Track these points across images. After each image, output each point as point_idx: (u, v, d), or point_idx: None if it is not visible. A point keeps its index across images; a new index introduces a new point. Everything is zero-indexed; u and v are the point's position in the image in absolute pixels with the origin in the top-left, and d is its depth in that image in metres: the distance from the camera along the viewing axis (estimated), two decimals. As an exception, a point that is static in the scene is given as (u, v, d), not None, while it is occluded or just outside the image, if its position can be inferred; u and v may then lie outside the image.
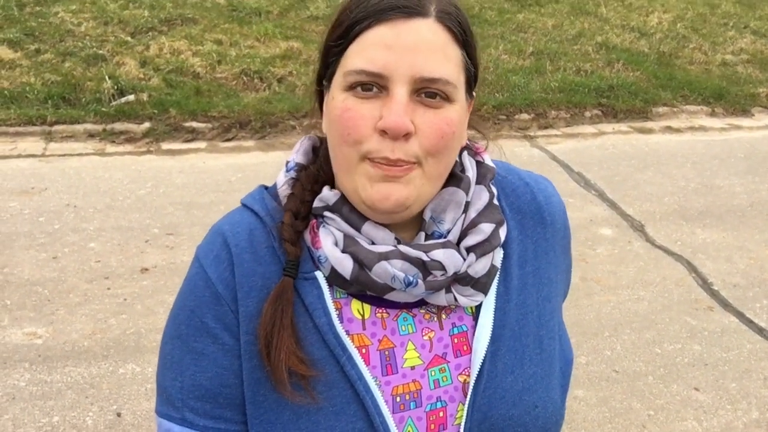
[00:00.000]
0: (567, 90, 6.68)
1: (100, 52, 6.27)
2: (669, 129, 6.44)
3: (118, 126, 5.34)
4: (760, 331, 3.54)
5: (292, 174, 0.89)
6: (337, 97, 0.80)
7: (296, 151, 0.92)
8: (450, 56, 0.79)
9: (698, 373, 3.20)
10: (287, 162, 0.92)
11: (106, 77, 5.80)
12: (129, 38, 6.65)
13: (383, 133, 0.77)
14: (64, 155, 4.96)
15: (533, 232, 0.94)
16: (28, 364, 2.90)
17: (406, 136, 0.77)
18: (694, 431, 2.85)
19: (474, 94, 0.88)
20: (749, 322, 3.60)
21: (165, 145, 5.24)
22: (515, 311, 0.89)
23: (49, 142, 5.16)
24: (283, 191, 0.88)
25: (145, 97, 5.69)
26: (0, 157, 4.88)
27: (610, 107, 6.56)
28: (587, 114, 6.44)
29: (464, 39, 0.82)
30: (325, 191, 0.86)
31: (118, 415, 2.66)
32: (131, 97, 5.66)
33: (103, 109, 5.49)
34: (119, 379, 2.84)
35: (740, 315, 3.66)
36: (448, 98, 0.79)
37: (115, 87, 5.71)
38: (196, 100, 5.77)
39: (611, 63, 7.44)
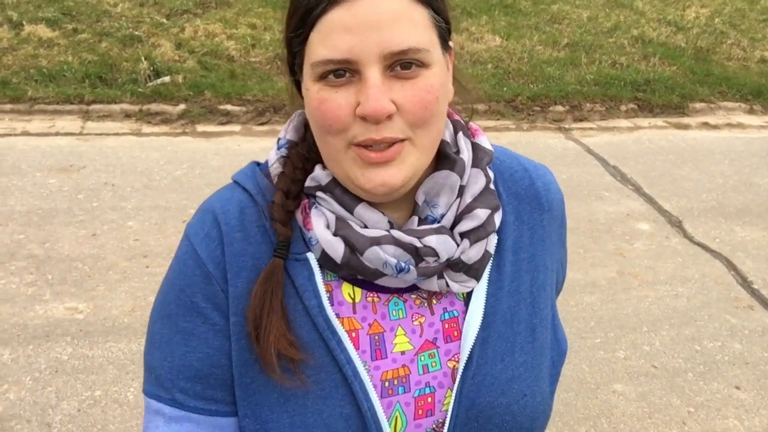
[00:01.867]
0: (602, 83, 6.59)
1: (136, 33, 6.31)
2: (706, 125, 6.33)
3: (154, 107, 5.37)
4: (801, 331, 3.48)
5: (283, 152, 0.86)
6: (310, 87, 0.76)
7: (287, 128, 0.89)
8: (416, 20, 0.74)
9: (739, 371, 3.15)
10: (278, 139, 0.88)
11: (142, 58, 5.83)
12: (164, 20, 6.68)
13: (364, 118, 0.74)
14: (101, 134, 5.00)
15: (530, 217, 0.91)
16: (70, 338, 2.93)
17: (389, 116, 0.74)
18: (735, 430, 2.81)
19: (451, 44, 0.83)
20: (791, 323, 3.54)
21: (200, 127, 5.26)
22: (508, 298, 0.87)
23: (87, 120, 5.20)
24: (275, 169, 0.85)
25: (180, 78, 5.72)
26: (39, 134, 4.93)
27: (646, 102, 6.46)
28: (623, 108, 6.35)
29: None
30: (317, 170, 0.83)
31: (159, 391, 2.68)
32: (167, 79, 5.69)
33: (139, 89, 5.52)
34: (159, 356, 2.86)
35: (781, 315, 3.60)
36: (423, 64, 0.75)
37: (151, 68, 5.74)
38: (231, 84, 5.79)
39: (647, 57, 7.33)
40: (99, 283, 3.30)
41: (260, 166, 0.90)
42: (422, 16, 0.76)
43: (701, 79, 7.02)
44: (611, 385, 2.98)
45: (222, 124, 5.33)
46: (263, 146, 5.01)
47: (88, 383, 2.70)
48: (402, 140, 0.76)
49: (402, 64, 0.74)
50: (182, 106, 5.42)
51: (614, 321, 3.39)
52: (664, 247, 4.15)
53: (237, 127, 5.34)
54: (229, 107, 5.50)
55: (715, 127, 6.32)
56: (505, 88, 6.26)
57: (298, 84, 0.84)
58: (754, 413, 2.91)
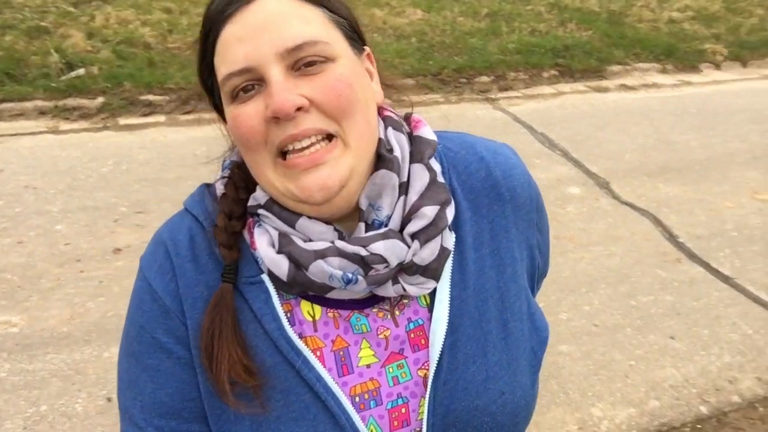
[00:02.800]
0: (524, 51, 6.72)
1: (43, 24, 5.96)
2: (624, 87, 6.57)
3: (71, 102, 5.11)
4: (725, 279, 3.70)
5: (226, 173, 0.85)
6: (229, 113, 0.77)
7: (232, 150, 0.89)
8: (307, 18, 0.74)
9: (672, 322, 3.33)
10: (223, 160, 0.88)
11: (52, 50, 5.52)
12: (72, 9, 6.34)
13: (277, 120, 0.72)
14: (15, 134, 4.73)
15: (489, 210, 0.88)
16: (7, 354, 2.79)
17: (301, 109, 0.72)
18: (673, 378, 2.98)
19: (366, 48, 0.83)
20: (715, 272, 3.76)
21: (122, 120, 5.05)
22: (474, 297, 0.85)
23: (-3, 121, 4.91)
24: (218, 191, 0.84)
25: (95, 70, 5.46)
26: (-55, 139, 4.63)
27: (567, 67, 6.64)
28: (545, 74, 6.50)
29: None
30: (258, 190, 0.81)
31: (109, 399, 2.60)
32: (81, 71, 5.42)
33: (53, 84, 5.24)
34: (105, 364, 2.77)
35: (706, 265, 3.81)
36: (327, 58, 0.74)
37: (63, 61, 5.45)
38: (150, 72, 5.57)
39: (564, 23, 7.51)
40: (31, 293, 3.15)
41: (209, 188, 0.88)
42: (314, 14, 0.76)
43: (616, 42, 7.26)
44: (557, 346, 3.10)
45: (145, 115, 5.14)
46: (191, 136, 4.88)
47: (31, 399, 2.58)
48: (330, 137, 0.75)
49: (305, 63, 0.73)
50: (101, 99, 5.18)
51: (554, 284, 3.51)
52: (594, 209, 4.31)
53: (161, 118, 5.16)
54: (150, 97, 5.30)
55: (632, 88, 6.57)
56: (430, 62, 6.28)
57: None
58: (689, 360, 3.09)
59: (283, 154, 0.75)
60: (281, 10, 0.73)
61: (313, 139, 0.74)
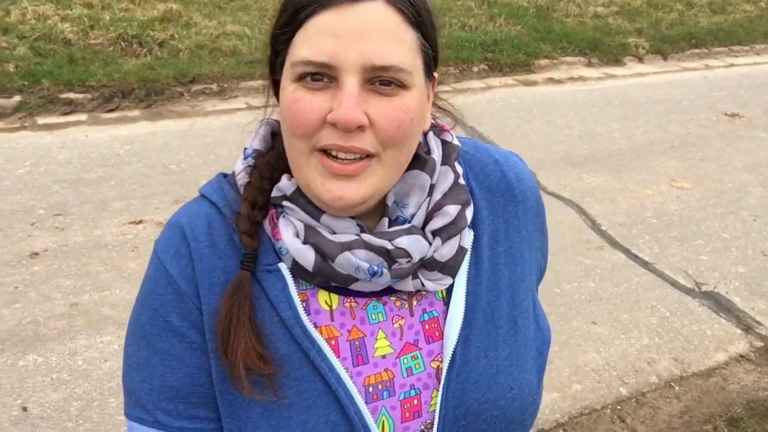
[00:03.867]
0: (454, 46, 6.80)
1: (-47, 19, 5.68)
2: (551, 80, 6.73)
3: (-16, 101, 4.89)
4: (645, 264, 3.84)
5: (250, 161, 0.85)
6: (287, 87, 0.76)
7: (254, 137, 0.88)
8: (403, 40, 0.74)
9: (594, 308, 3.44)
10: (245, 149, 0.87)
11: (-37, 47, 5.27)
12: (-15, 3, 6.05)
13: (335, 125, 0.73)
14: (-77, 136, 4.50)
15: (504, 210, 0.91)
16: None
17: (360, 128, 0.73)
18: (594, 362, 3.08)
19: (435, 75, 0.84)
20: (635, 257, 3.90)
21: (41, 120, 4.86)
22: (487, 293, 0.87)
23: None
24: (241, 179, 0.84)
25: (11, 67, 5.23)
26: None
27: (496, 61, 6.76)
28: (475, 69, 6.60)
29: (418, 20, 0.76)
30: (284, 180, 0.82)
31: (24, 409, 2.50)
32: (-5, 69, 5.19)
33: (-36, 83, 5.00)
34: (20, 372, 2.66)
35: (627, 251, 3.95)
36: (403, 85, 0.74)
37: (-25, 58, 5.21)
38: (71, 69, 5.38)
39: (493, 18, 7.64)
40: (-60, 302, 3.01)
41: (227, 177, 0.88)
42: (411, 38, 0.75)
43: (544, 37, 7.43)
44: (484, 336, 3.16)
45: (65, 114, 4.96)
46: (114, 135, 4.73)
47: (-61, 413, 2.46)
48: (370, 156, 0.75)
49: (382, 80, 0.73)
50: (17, 98, 4.97)
51: (482, 275, 3.57)
52: (521, 200, 4.40)
53: (83, 116, 4.99)
54: (71, 95, 5.12)
55: (559, 81, 6.74)
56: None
57: (276, 85, 0.83)
58: (610, 344, 3.20)
59: (320, 149, 0.76)
60: (383, 23, 0.72)
61: (356, 155, 0.75)
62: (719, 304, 3.53)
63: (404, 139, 0.76)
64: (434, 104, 0.89)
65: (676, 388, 3.00)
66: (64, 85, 5.18)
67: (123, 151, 4.48)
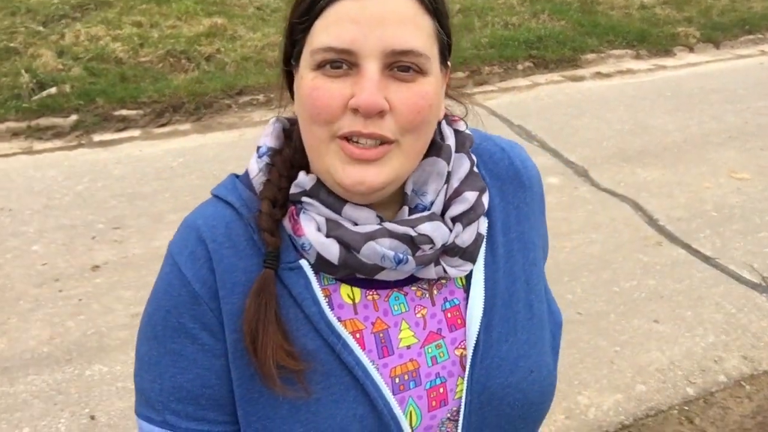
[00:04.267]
0: (498, 45, 6.73)
1: (12, 44, 5.91)
2: (599, 75, 6.59)
3: (44, 121, 5.06)
4: (706, 259, 3.71)
5: (266, 159, 0.85)
6: (305, 76, 0.77)
7: (267, 135, 0.88)
8: (421, 26, 0.76)
9: (656, 306, 3.33)
10: (258, 147, 0.87)
11: (22, 71, 5.48)
12: (41, 28, 6.28)
13: (356, 111, 0.74)
14: (-12, 157, 4.68)
15: (514, 197, 0.93)
16: (-13, 379, 2.76)
17: (381, 113, 0.74)
18: (658, 361, 2.99)
19: (449, 63, 0.86)
20: (696, 252, 3.77)
21: (96, 137, 5.01)
22: (504, 279, 0.89)
23: (-30, 144, 4.86)
24: (259, 178, 0.85)
25: (67, 88, 5.41)
26: None
27: (541, 58, 6.65)
28: (519, 67, 6.51)
29: (435, 7, 0.78)
30: (301, 176, 0.82)
31: (92, 418, 2.57)
32: (53, 90, 5.37)
33: (24, 104, 5.19)
34: (87, 382, 2.74)
35: (687, 246, 3.83)
36: (421, 71, 0.75)
37: (34, 81, 5.40)
38: (123, 87, 5.53)
39: (536, 14, 7.53)
40: (10, 315, 3.12)
41: (239, 178, 0.88)
42: (428, 24, 0.77)
43: (589, 31, 7.28)
44: (542, 337, 3.09)
45: (119, 130, 5.10)
46: (166, 149, 4.84)
47: (13, 422, 2.55)
48: (390, 142, 0.76)
49: (400, 66, 0.74)
50: (74, 117, 5.14)
51: (537, 275, 3.50)
52: (574, 198, 4.31)
53: (136, 132, 5.12)
54: (124, 112, 5.26)
55: (607, 75, 6.60)
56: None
57: (289, 77, 0.85)
58: (674, 343, 3.10)
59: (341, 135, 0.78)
60: (402, 10, 0.74)
61: (376, 141, 0.76)
62: (789, 299, 3.39)
63: (422, 125, 0.77)
64: (447, 95, 0.90)
65: (747, 387, 2.89)
66: (117, 102, 5.33)
67: (176, 163, 4.58)
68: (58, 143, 4.92)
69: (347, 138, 0.75)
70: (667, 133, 5.26)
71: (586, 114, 5.60)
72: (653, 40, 7.26)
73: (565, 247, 3.79)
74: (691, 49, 7.31)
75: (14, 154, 4.75)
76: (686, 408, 2.78)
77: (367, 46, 0.73)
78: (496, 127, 5.27)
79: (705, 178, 4.59)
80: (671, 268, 3.63)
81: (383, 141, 0.76)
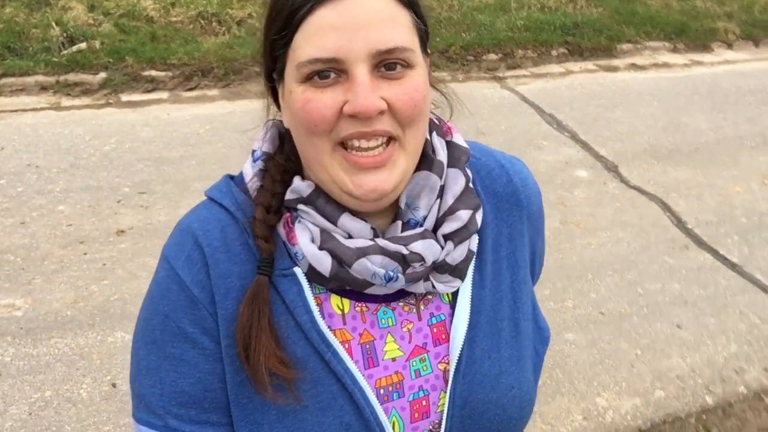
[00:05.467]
0: (533, 28, 6.60)
1: (43, -5, 5.86)
2: (634, 66, 6.47)
3: (72, 77, 5.04)
4: (733, 266, 3.67)
5: (260, 164, 0.85)
6: (294, 90, 0.76)
7: (262, 139, 0.88)
8: (400, 21, 0.75)
9: (679, 311, 3.30)
10: (253, 151, 0.86)
11: (53, 23, 5.44)
12: (73, -20, 6.21)
13: (353, 117, 0.73)
14: (16, 110, 4.67)
15: (509, 215, 0.93)
16: (11, 338, 2.78)
17: (380, 113, 0.74)
18: (679, 367, 2.97)
19: (429, 51, 0.84)
20: (723, 259, 3.72)
21: (125, 97, 4.99)
22: (490, 297, 0.89)
23: (-2, 96, 4.85)
24: (253, 184, 0.84)
25: (97, 44, 5.38)
26: (-54, 114, 4.58)
27: (576, 45, 6.53)
28: (554, 53, 6.40)
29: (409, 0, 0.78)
30: (297, 182, 0.82)
31: (113, 385, 2.60)
32: (83, 45, 5.34)
33: (54, 59, 5.17)
34: (110, 348, 2.76)
35: (714, 252, 3.78)
36: (408, 65, 0.76)
37: (64, 34, 5.37)
38: (153, 47, 5.49)
39: (574, -1, 7.37)
40: (35, 276, 3.13)
41: (234, 179, 0.88)
42: (405, 18, 0.77)
43: (626, 20, 7.13)
44: (563, 334, 3.08)
45: (148, 91, 5.08)
46: (194, 114, 4.82)
47: (36, 384, 2.58)
48: (392, 140, 0.76)
49: (387, 64, 0.74)
50: (103, 75, 5.11)
51: (561, 271, 3.48)
52: (602, 194, 4.26)
53: (164, 94, 5.09)
54: (153, 73, 5.23)
55: (642, 67, 6.47)
56: (438, 38, 6.18)
57: (273, 92, 0.84)
58: (695, 350, 3.07)
59: (342, 143, 0.77)
60: (379, 8, 0.73)
61: (380, 141, 0.76)
62: (815, 314, 3.34)
63: (420, 117, 0.77)
64: (430, 84, 0.87)
65: (766, 400, 2.87)
66: (146, 62, 5.29)
67: (203, 130, 4.56)
68: (86, 101, 4.90)
69: (346, 146, 0.75)
70: (701, 133, 5.16)
71: (619, 107, 5.50)
72: (692, 34, 7.10)
73: (591, 244, 3.75)
74: (729, 46, 7.14)
75: (42, 108, 4.74)
76: (704, 417, 2.77)
77: (352, 52, 0.72)
78: (527, 114, 5.19)
79: (736, 182, 4.51)
80: (697, 273, 3.59)
81: (389, 138, 0.76)
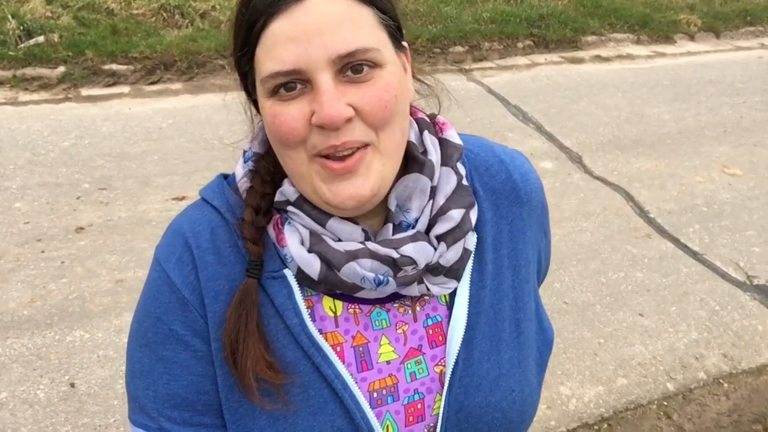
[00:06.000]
0: (499, 21, 6.62)
1: (-1, -12, 5.70)
2: (598, 58, 6.53)
3: (30, 71, 4.92)
4: (694, 255, 3.73)
5: (250, 165, 0.84)
6: (264, 105, 0.75)
7: (253, 140, 0.86)
8: (359, 21, 0.73)
9: (642, 299, 3.35)
10: (244, 151, 0.86)
11: (9, 16, 5.29)
12: (30, -28, 6.06)
13: (321, 127, 0.72)
14: (-29, 106, 4.55)
15: (508, 212, 0.90)
16: (-35, 339, 2.71)
17: (348, 120, 0.72)
18: (641, 355, 3.01)
19: (405, 44, 0.83)
20: (684, 247, 3.78)
21: (84, 91, 4.89)
22: (490, 297, 0.87)
23: (-48, 91, 4.71)
24: (243, 184, 0.83)
25: (56, 37, 5.25)
26: None
27: (542, 37, 6.57)
28: (519, 45, 6.43)
29: None
30: (286, 185, 0.81)
31: (72, 385, 2.54)
32: (41, 39, 5.21)
33: (10, 52, 5.03)
34: (68, 348, 2.70)
35: (676, 241, 3.84)
36: (376, 64, 0.73)
37: (21, 27, 5.23)
38: (114, 40, 5.38)
39: (540, -9, 7.41)
40: (-10, 275, 3.06)
41: (227, 179, 0.87)
42: (367, 16, 0.74)
43: (591, 12, 7.19)
44: (527, 325, 3.10)
45: (108, 85, 4.98)
46: (156, 108, 4.74)
47: (-9, 385, 2.52)
48: (365, 146, 0.74)
49: (352, 67, 0.72)
50: (62, 69, 5.00)
51: (526, 262, 3.50)
52: (567, 184, 4.30)
53: (125, 88, 5.00)
54: (114, 66, 5.13)
55: (607, 59, 6.54)
56: (404, 31, 6.17)
57: (256, 103, 0.82)
58: (657, 337, 3.12)
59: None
60: (334, 11, 0.71)
61: (353, 149, 0.74)
62: (773, 300, 3.42)
63: (393, 117, 0.75)
64: (414, 77, 0.86)
65: (725, 385, 2.92)
66: (107, 56, 5.19)
67: (165, 125, 4.49)
68: (44, 95, 4.79)
69: (325, 155, 0.74)
70: (663, 123, 5.23)
71: (584, 98, 5.55)
72: (655, 26, 7.19)
73: (555, 234, 3.78)
74: (691, 38, 7.25)
75: (-2, 104, 4.62)
76: (665, 403, 2.81)
77: (312, 60, 0.70)
78: (493, 106, 5.21)
79: (697, 172, 4.58)
80: (659, 261, 3.64)
81: (359, 147, 0.74)
